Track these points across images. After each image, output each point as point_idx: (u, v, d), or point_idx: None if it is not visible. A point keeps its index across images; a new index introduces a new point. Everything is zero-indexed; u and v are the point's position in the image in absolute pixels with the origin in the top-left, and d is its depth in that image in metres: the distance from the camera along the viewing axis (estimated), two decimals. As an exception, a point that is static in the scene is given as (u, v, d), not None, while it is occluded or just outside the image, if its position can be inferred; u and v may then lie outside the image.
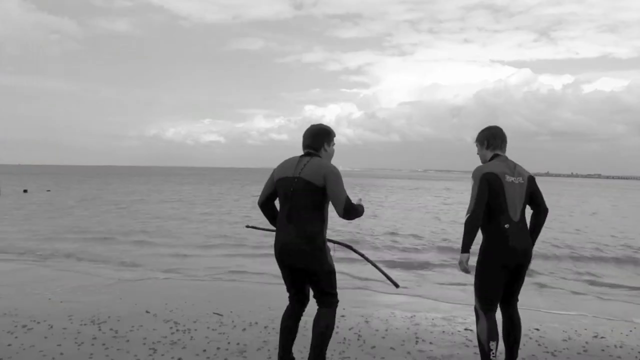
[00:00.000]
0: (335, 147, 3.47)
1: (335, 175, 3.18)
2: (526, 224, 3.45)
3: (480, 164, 3.59)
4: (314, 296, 3.41)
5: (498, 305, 3.50)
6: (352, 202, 3.23)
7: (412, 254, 10.83)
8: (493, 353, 3.34)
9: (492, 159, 3.53)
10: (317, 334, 3.29)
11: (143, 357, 3.89)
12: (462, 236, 3.37)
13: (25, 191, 31.37)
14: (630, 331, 5.03)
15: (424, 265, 9.24)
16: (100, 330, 4.55)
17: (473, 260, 3.45)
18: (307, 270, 3.26)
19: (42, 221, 15.56)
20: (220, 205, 24.31)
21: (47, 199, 25.86)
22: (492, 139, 3.58)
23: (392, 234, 13.95)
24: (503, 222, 3.32)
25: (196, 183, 56.11)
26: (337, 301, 3.40)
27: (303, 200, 3.20)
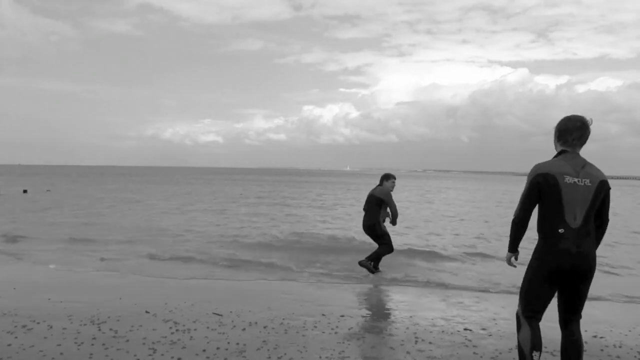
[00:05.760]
0: (394, 184, 7.67)
1: (390, 196, 7.52)
2: (591, 232, 3.06)
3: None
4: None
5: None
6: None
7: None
8: None
9: (558, 154, 3.15)
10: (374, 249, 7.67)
11: (143, 357, 3.89)
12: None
13: (25, 191, 31.35)
14: (630, 331, 5.03)
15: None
16: (100, 330, 4.55)
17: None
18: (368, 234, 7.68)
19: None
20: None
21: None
22: (564, 132, 3.11)
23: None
24: (557, 227, 3.00)
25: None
26: (388, 244, 7.41)
27: (372, 204, 7.58)
